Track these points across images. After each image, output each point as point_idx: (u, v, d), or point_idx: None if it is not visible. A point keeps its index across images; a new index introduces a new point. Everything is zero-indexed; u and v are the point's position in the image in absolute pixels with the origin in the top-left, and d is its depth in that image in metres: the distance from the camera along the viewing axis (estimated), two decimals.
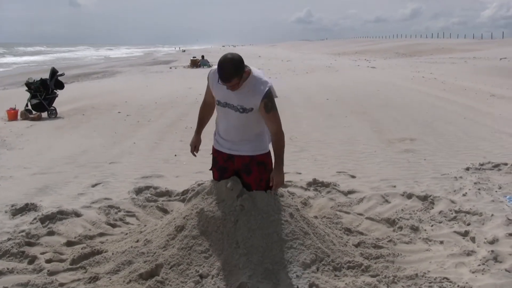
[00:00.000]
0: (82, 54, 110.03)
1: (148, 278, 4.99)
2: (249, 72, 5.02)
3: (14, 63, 66.37)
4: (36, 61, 71.77)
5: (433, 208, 7.10)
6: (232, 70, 4.78)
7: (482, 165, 9.18)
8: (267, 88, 5.00)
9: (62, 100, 18.96)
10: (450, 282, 4.92)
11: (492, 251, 5.46)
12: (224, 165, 5.46)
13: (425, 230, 6.33)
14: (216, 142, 5.52)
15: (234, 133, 5.28)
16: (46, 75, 18.29)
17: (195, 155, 5.87)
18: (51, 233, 6.36)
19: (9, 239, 6.08)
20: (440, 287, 4.84)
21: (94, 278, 5.13)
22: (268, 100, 4.99)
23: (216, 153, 5.56)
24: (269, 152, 5.41)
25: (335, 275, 5.05)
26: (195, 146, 5.78)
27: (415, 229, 6.32)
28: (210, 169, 5.75)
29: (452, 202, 7.19)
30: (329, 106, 17.84)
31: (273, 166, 5.31)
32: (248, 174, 5.32)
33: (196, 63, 46.69)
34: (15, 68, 55.54)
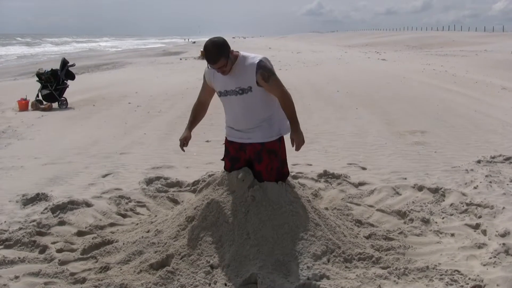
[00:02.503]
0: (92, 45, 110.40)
1: (158, 268, 5.00)
2: (237, 54, 5.17)
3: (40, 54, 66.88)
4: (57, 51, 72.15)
5: (444, 200, 7.07)
6: (216, 50, 4.93)
7: (493, 158, 9.14)
8: (257, 60, 5.09)
9: (73, 90, 19.02)
10: (461, 274, 4.91)
11: (504, 244, 5.43)
12: (235, 155, 5.48)
13: (436, 222, 6.31)
14: (228, 133, 5.55)
15: (242, 120, 5.31)
16: (57, 66, 18.34)
17: (183, 150, 5.88)
18: (62, 223, 6.39)
19: (20, 229, 6.13)
20: (451, 279, 4.82)
21: (105, 268, 5.15)
22: (263, 70, 5.07)
23: (228, 143, 5.59)
24: (280, 138, 5.43)
25: (346, 267, 5.04)
26: (185, 141, 5.74)
27: (426, 221, 6.30)
28: (222, 159, 5.77)
29: (463, 194, 7.16)
30: (339, 98, 17.79)
31: (282, 150, 5.47)
32: (260, 162, 5.34)
33: None
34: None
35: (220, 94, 5.34)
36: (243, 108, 5.24)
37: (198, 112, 5.78)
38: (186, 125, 5.81)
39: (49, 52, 69.12)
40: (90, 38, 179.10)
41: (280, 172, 5.47)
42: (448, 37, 76.27)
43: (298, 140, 5.26)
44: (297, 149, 5.31)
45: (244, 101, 5.19)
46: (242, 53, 5.23)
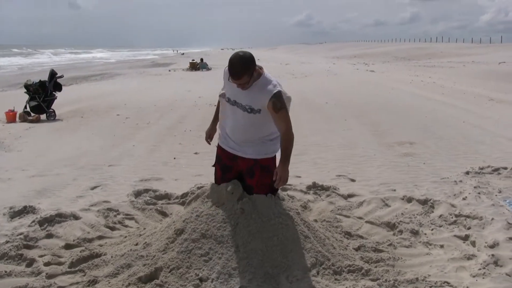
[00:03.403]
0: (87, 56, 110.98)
1: (147, 282, 4.97)
2: (261, 72, 5.10)
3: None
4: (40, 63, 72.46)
5: (433, 212, 7.08)
6: (241, 67, 4.85)
7: (481, 169, 9.17)
8: (276, 90, 5.04)
9: (61, 102, 18.93)
10: (451, 286, 4.92)
11: (493, 255, 5.45)
12: (228, 163, 5.47)
13: (425, 234, 6.31)
14: (221, 138, 5.54)
15: (239, 133, 5.29)
16: (45, 77, 18.30)
17: (209, 143, 5.98)
18: (49, 236, 6.34)
19: (7, 242, 6.06)
20: None
21: (93, 281, 5.11)
22: (277, 100, 5.02)
23: (220, 150, 5.56)
24: (274, 157, 5.41)
25: (336, 279, 5.04)
26: (209, 135, 5.88)
27: (415, 233, 6.30)
28: (213, 166, 5.74)
29: (452, 206, 7.18)
30: (329, 110, 17.84)
31: (275, 166, 5.37)
32: (252, 177, 5.33)
33: (195, 66, 46.61)
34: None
35: (228, 101, 5.30)
36: (246, 123, 5.22)
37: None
38: (211, 120, 5.96)
39: (45, 63, 69.27)
40: (85, 49, 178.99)
41: (272, 188, 5.42)
42: (436, 49, 76.69)
43: (282, 174, 5.13)
44: (277, 185, 5.19)
45: (249, 119, 5.17)
46: (266, 73, 5.18)
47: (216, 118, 5.84)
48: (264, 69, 5.20)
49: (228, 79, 5.12)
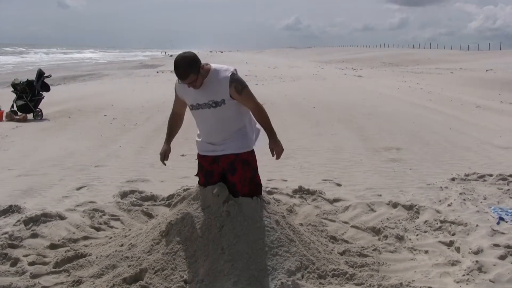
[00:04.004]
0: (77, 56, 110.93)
1: (132, 283, 4.97)
2: (208, 68, 5.19)
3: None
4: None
5: (418, 217, 7.11)
6: (185, 66, 4.95)
7: (467, 175, 9.21)
8: (229, 73, 5.15)
9: (48, 102, 18.86)
10: None
11: (477, 261, 5.48)
12: (209, 168, 5.50)
13: (410, 239, 6.34)
14: (200, 148, 5.56)
15: (215, 132, 5.34)
16: (33, 76, 18.23)
17: (165, 164, 5.92)
18: (34, 235, 6.32)
19: None
20: None
21: (78, 282, 5.11)
22: (237, 83, 5.14)
23: (200, 158, 5.58)
24: (252, 151, 5.47)
25: (320, 283, 5.05)
26: (165, 155, 5.79)
27: (400, 238, 6.32)
28: (196, 175, 5.76)
29: (437, 212, 7.21)
30: (316, 114, 17.86)
31: (253, 158, 5.52)
32: (233, 173, 5.36)
33: None
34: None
35: (192, 108, 5.35)
36: (216, 121, 5.27)
37: (175, 124, 5.81)
38: (165, 138, 5.84)
39: (36, 62, 69.09)
40: (77, 49, 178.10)
41: (253, 181, 5.50)
42: (424, 55, 76.99)
43: (278, 149, 5.34)
44: (278, 157, 5.39)
45: (217, 114, 5.22)
46: (213, 66, 5.26)
47: (169, 138, 5.83)
48: (210, 64, 5.28)
49: (179, 82, 5.26)
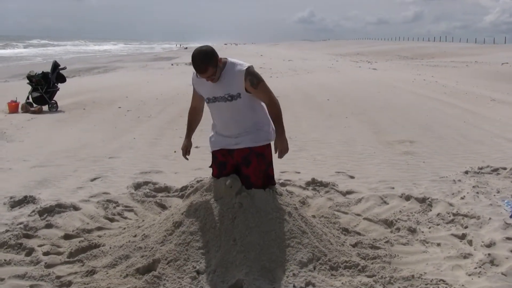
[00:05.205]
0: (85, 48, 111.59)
1: (145, 273, 5.00)
2: (225, 61, 5.22)
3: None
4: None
5: (431, 210, 7.10)
6: (203, 60, 4.97)
7: (481, 169, 9.17)
8: (245, 67, 5.16)
9: (63, 94, 18.94)
10: (446, 284, 4.93)
11: (489, 254, 5.47)
12: (223, 159, 5.53)
13: (423, 232, 6.33)
14: (214, 144, 5.59)
15: (231, 125, 5.37)
16: (48, 68, 18.31)
17: (187, 159, 6.03)
18: (49, 226, 6.38)
19: (7, 231, 6.11)
20: None
21: (91, 272, 5.15)
22: (252, 76, 5.16)
23: (215, 150, 5.61)
24: (268, 144, 5.48)
25: (332, 274, 5.06)
26: (186, 150, 5.88)
27: (412, 230, 6.32)
28: (210, 166, 5.80)
29: (450, 205, 7.19)
30: (330, 107, 17.83)
31: (269, 152, 5.53)
32: (248, 165, 5.38)
33: None
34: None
35: (208, 101, 5.38)
36: (232, 114, 5.29)
37: (194, 118, 5.86)
38: (185, 133, 5.94)
39: (54, 55, 69.58)
40: (98, 42, 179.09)
41: (267, 174, 5.53)
42: (439, 48, 76.55)
43: (282, 147, 5.34)
44: (280, 156, 5.39)
45: (233, 107, 5.24)
46: (230, 59, 5.28)
47: (189, 133, 5.91)
48: (228, 58, 5.31)
49: (197, 76, 5.28)
